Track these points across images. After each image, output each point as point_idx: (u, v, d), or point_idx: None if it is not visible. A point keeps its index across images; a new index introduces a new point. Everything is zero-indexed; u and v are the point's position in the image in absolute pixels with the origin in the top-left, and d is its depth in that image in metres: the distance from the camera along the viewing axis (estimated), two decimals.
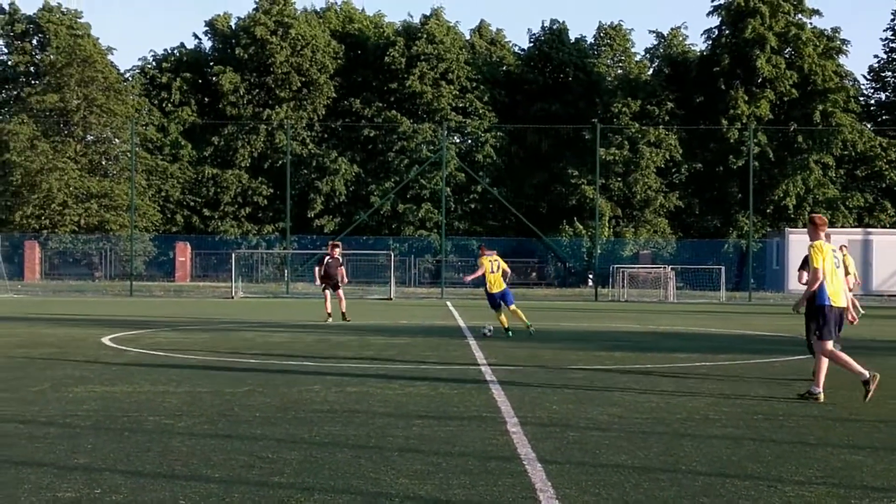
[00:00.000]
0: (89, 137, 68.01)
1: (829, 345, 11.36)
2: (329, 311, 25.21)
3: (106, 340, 18.80)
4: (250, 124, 67.76)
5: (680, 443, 8.60)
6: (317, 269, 25.95)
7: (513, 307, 21.29)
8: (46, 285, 52.56)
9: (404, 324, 25.24)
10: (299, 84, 68.99)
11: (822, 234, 11.72)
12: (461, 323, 25.41)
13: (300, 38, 68.93)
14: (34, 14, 70.93)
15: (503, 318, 21.11)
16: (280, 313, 29.68)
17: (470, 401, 11.04)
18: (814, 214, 12.26)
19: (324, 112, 69.88)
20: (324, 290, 25.42)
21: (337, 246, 26.37)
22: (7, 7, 71.23)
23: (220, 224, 67.34)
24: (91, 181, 64.32)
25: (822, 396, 11.18)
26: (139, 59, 78.15)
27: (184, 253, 62.06)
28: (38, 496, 6.53)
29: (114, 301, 39.01)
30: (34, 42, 71.64)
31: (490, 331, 20.58)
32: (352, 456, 7.90)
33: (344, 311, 25.21)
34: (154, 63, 73.13)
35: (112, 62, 69.75)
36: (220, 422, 9.51)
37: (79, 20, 71.01)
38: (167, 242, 63.84)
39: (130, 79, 71.87)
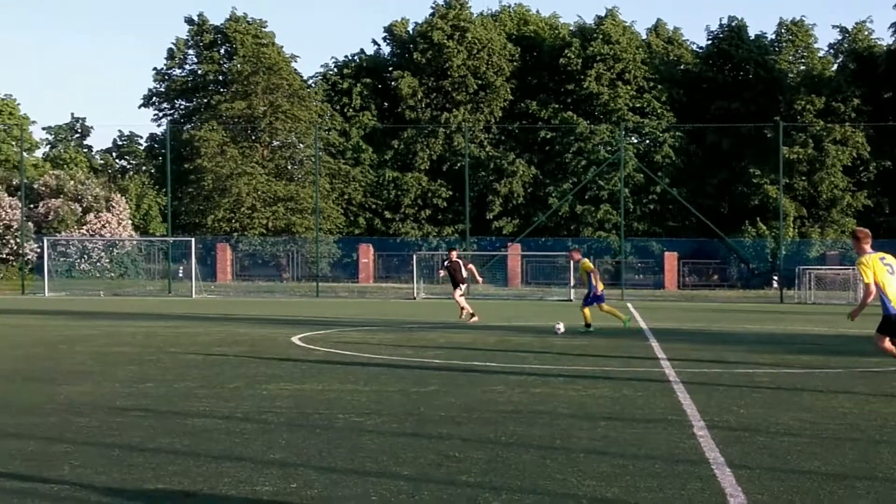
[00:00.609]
0: (275, 143, 70.16)
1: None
2: (471, 310, 25.88)
3: (295, 340, 19.38)
4: (429, 128, 68.67)
5: (876, 450, 8.33)
6: (441, 272, 27.05)
7: (606, 306, 22.81)
8: (238, 286, 54.50)
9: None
10: (476, 87, 69.51)
11: (867, 247, 11.99)
12: (643, 324, 25.13)
13: (476, 41, 69.47)
14: (222, 24, 73.68)
15: (588, 312, 22.21)
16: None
17: (655, 403, 10.94)
18: (856, 228, 12.71)
19: (500, 114, 70.21)
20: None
21: (453, 250, 27.80)
22: (196, 18, 74.24)
23: (401, 226, 68.46)
24: (278, 185, 66.34)
25: None
26: (321, 66, 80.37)
27: (367, 254, 63.32)
28: (238, 489, 6.81)
29: (301, 301, 40.13)
30: (222, 51, 74.41)
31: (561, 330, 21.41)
32: (538, 456, 7.94)
33: (463, 310, 25.87)
34: (335, 69, 74.94)
35: (295, 69, 71.90)
36: (407, 420, 9.71)
37: (263, 29, 73.42)
38: (350, 244, 65.26)
39: (313, 85, 73.86)
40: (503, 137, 70.66)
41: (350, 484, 6.98)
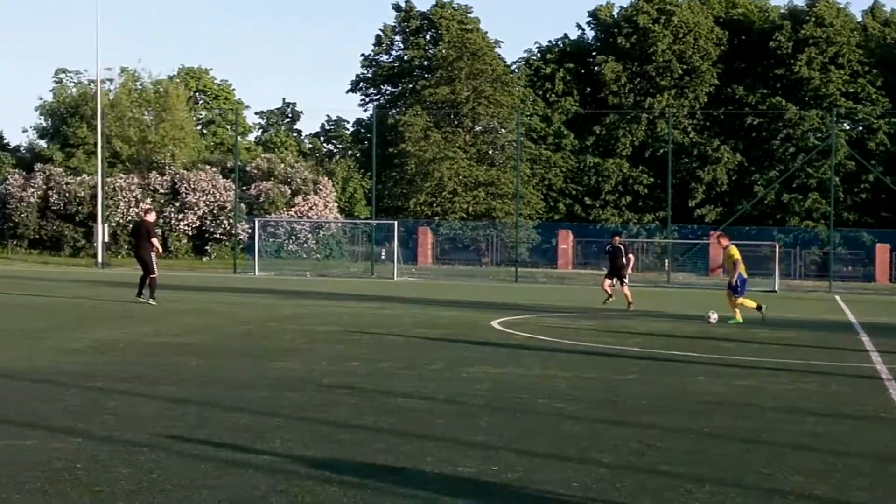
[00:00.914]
0: (477, 128, 70.71)
1: None
2: (611, 294, 25.64)
3: (494, 324, 19.55)
4: (631, 113, 67.86)
5: None
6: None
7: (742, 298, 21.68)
8: (438, 269, 55.27)
9: (790, 317, 24.37)
10: (681, 72, 68.25)
11: None
12: (852, 318, 24.23)
13: (683, 25, 68.18)
14: (427, 10, 74.73)
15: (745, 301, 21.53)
16: (661, 302, 29.56)
17: (866, 399, 10.56)
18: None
19: (706, 100, 68.72)
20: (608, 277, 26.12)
21: (617, 235, 27.59)
22: (403, 5, 75.55)
23: (600, 212, 67.98)
24: (479, 170, 66.89)
25: None
26: (524, 51, 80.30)
27: (566, 241, 63.13)
28: (441, 469, 6.95)
29: (500, 286, 40.42)
30: (427, 37, 75.47)
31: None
32: (742, 449, 7.80)
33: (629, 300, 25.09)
34: (538, 54, 74.93)
35: (499, 55, 72.19)
36: (607, 407, 9.68)
37: (468, 15, 74.06)
38: (550, 230, 65.20)
39: (516, 70, 74.04)
40: (708, 123, 69.18)
41: (551, 469, 7.02)
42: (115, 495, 6.02)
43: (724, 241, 22.77)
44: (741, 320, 20.68)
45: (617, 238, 26.75)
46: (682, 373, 12.46)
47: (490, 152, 70.85)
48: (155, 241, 23.06)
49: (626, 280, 25.55)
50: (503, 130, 70.12)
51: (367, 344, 15.16)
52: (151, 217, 24.10)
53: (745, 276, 21.93)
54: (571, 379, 11.67)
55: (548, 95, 71.40)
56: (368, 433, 8.11)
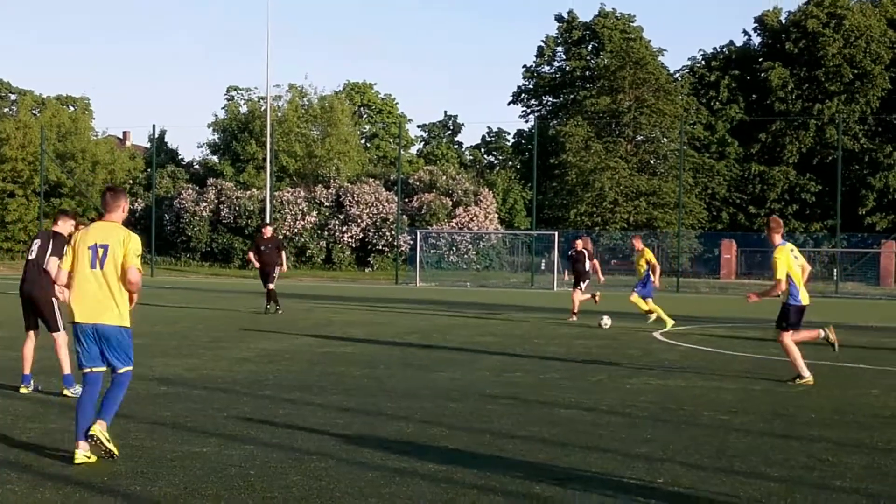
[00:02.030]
0: (639, 137, 70.01)
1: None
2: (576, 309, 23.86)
3: (657, 335, 19.32)
4: (799, 120, 66.11)
5: None
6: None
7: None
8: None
9: None
10: (851, 76, 66.17)
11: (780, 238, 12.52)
12: None
13: (854, 28, 66.11)
14: (590, 20, 74.49)
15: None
16: (830, 314, 28.63)
17: None
18: (771, 217, 13.32)
19: (878, 104, 66.44)
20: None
21: (579, 239, 25.77)
22: (566, 16, 75.47)
23: (765, 221, 66.34)
24: (640, 180, 66.20)
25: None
26: (688, 59, 79.30)
27: (729, 250, 61.88)
28: (606, 480, 6.92)
29: (661, 296, 39.80)
30: (589, 47, 75.20)
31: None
32: None
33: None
34: (703, 62, 73.79)
35: (662, 63, 71.35)
36: (775, 420, 9.46)
37: (631, 24, 73.47)
38: (712, 239, 64.04)
39: (679, 79, 73.06)
40: (880, 128, 66.84)
41: (718, 482, 6.91)
42: (286, 502, 6.20)
43: (639, 245, 23.16)
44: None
45: (579, 242, 24.92)
46: (853, 385, 12.09)
47: (652, 161, 70.03)
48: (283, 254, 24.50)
49: (581, 287, 23.86)
50: (665, 139, 69.23)
51: (528, 354, 15.18)
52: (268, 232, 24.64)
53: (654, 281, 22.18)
54: (737, 391, 11.45)
55: (712, 103, 70.21)
56: (532, 443, 8.13)
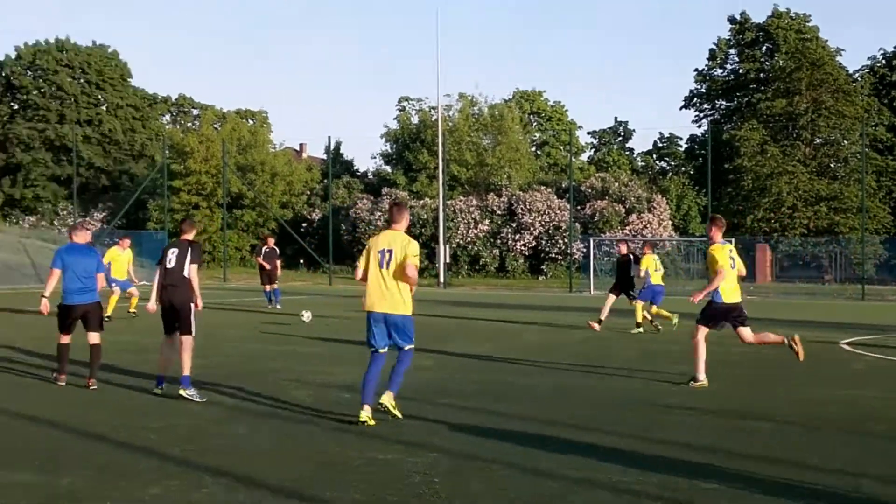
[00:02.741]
0: (817, 140, 67.92)
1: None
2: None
3: (842, 344, 18.71)
4: None
5: None
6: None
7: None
8: (777, 287, 53.42)
9: None
10: None
11: (720, 237, 12.91)
12: None
13: None
14: (763, 22, 72.70)
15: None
16: None
17: None
18: (715, 215, 13.51)
19: None
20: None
21: (624, 242, 24.61)
22: (738, 17, 73.89)
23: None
24: (820, 184, 64.18)
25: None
26: (868, 59, 76.44)
27: None
28: (799, 493, 6.76)
29: (845, 304, 38.57)
30: (763, 49, 73.42)
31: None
32: None
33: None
34: (884, 61, 71.10)
35: (840, 63, 69.06)
36: None
37: (807, 24, 71.40)
38: None
39: (859, 79, 70.60)
40: None
41: None
42: None
43: (623, 249, 23.12)
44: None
45: (623, 246, 23.55)
46: None
47: (832, 165, 67.78)
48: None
49: (634, 295, 22.07)
50: (846, 142, 66.92)
51: (708, 362, 14.91)
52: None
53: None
54: None
55: (894, 104, 67.56)
56: (714, 455, 8.01)
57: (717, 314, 12.56)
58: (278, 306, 27.69)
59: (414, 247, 9.63)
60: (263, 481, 6.98)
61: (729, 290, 12.52)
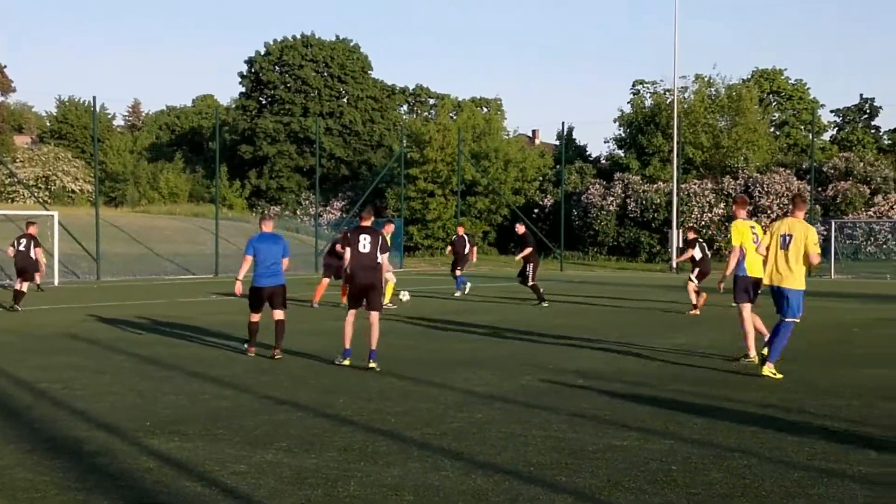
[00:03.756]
0: None
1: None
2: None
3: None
4: None
5: None
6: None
7: None
8: None
9: None
10: None
11: (743, 213, 13.42)
12: None
13: None
14: None
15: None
16: None
17: None
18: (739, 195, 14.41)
19: None
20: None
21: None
22: None
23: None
24: None
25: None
26: None
27: None
28: None
29: None
30: None
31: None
32: None
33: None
34: None
35: None
36: None
37: None
38: None
39: None
40: None
41: None
42: (710, 498, 6.16)
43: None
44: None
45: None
46: None
47: None
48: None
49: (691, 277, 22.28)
50: None
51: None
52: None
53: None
54: None
55: None
56: None
57: (747, 286, 12.93)
58: (457, 294, 27.36)
59: (813, 234, 11.51)
60: (500, 465, 7.05)
61: (752, 264, 12.89)
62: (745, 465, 7.03)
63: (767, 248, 11.78)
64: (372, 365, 12.04)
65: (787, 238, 11.55)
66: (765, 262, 11.90)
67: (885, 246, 55.79)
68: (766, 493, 6.27)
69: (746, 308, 12.82)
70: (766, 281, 11.80)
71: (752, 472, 6.80)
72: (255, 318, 13.63)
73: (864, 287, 34.99)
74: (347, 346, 12.55)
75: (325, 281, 23.25)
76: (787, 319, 11.48)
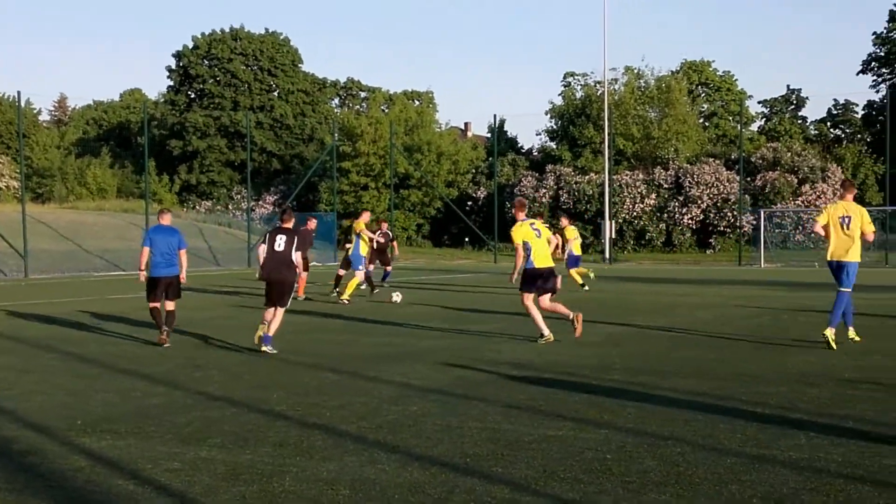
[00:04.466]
0: None
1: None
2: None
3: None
4: None
5: None
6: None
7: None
8: None
9: None
10: None
11: (522, 216, 14.64)
12: None
13: None
14: None
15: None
16: None
17: None
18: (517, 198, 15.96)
19: None
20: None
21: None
22: None
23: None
24: None
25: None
26: None
27: None
28: None
29: None
30: None
31: None
32: None
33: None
34: None
35: None
36: None
37: None
38: None
39: None
40: None
41: None
42: (645, 486, 6.21)
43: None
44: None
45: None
46: None
47: None
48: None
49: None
50: None
51: (887, 335, 14.39)
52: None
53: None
54: None
55: None
56: None
57: (532, 277, 14.28)
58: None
59: (867, 214, 13.38)
60: (436, 457, 7.05)
61: (538, 257, 14.22)
62: (678, 452, 7.10)
63: (825, 228, 13.45)
64: (265, 348, 13.05)
65: (847, 219, 13.27)
66: (826, 240, 13.59)
67: (812, 235, 56.71)
68: (700, 480, 6.34)
69: (528, 297, 14.29)
70: (829, 257, 13.39)
71: (686, 460, 6.87)
72: (154, 304, 14.36)
73: (793, 275, 35.57)
74: (263, 333, 13.39)
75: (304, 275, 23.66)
76: (842, 289, 13.17)
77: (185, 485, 6.37)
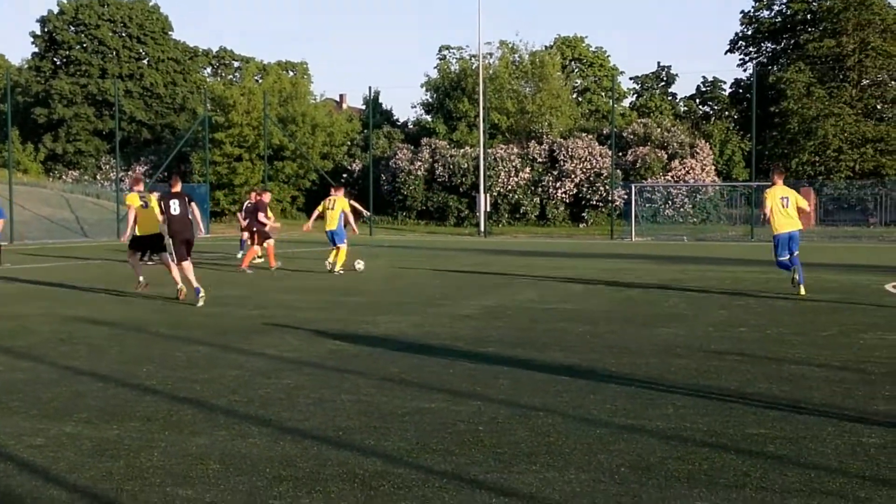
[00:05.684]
0: (864, 81, 66.86)
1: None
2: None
3: (888, 287, 18.51)
4: None
5: None
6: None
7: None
8: (822, 231, 52.91)
9: None
10: None
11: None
12: None
13: None
14: None
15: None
16: None
17: None
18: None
19: None
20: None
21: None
22: None
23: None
24: (867, 126, 63.33)
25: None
26: None
27: None
28: (843, 440, 6.68)
29: (890, 247, 38.12)
30: None
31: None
32: None
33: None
34: None
35: (889, 3, 67.72)
36: None
37: None
38: None
39: None
40: None
41: None
42: (516, 457, 6.26)
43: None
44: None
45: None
46: None
47: (879, 107, 66.77)
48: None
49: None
50: (893, 83, 65.83)
51: (752, 309, 14.80)
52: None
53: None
54: None
55: None
56: (762, 401, 7.93)
57: (136, 243, 16.41)
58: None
59: (799, 195, 16.70)
60: (309, 431, 6.99)
61: (143, 224, 15.96)
62: (549, 423, 7.18)
63: (771, 210, 16.51)
64: (200, 302, 14.98)
65: (786, 200, 16.57)
66: (769, 221, 16.73)
67: (682, 209, 58.08)
68: (570, 450, 6.41)
69: (133, 254, 16.68)
70: (776, 232, 16.57)
71: (556, 430, 6.95)
72: None
73: (663, 249, 36.35)
74: (196, 286, 15.31)
75: (257, 248, 24.56)
76: (795, 254, 16.62)
77: (49, 461, 6.19)
